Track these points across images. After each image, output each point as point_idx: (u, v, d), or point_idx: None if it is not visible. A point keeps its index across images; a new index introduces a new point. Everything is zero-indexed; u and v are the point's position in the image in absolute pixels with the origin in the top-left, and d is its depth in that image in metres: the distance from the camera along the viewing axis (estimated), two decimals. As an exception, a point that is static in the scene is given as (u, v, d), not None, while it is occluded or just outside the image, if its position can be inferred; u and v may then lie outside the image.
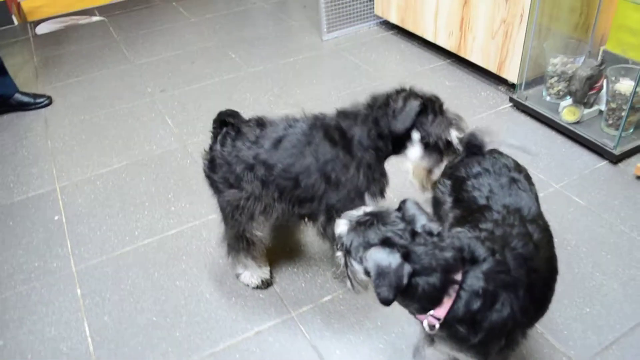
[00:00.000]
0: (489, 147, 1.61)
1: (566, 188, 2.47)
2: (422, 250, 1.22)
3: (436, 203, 1.69)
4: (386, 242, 1.23)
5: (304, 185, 1.72)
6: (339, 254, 1.32)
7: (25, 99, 3.44)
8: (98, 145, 3.05)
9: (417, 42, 3.89)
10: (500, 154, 1.61)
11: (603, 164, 2.60)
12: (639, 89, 2.40)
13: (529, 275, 1.31)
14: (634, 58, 2.79)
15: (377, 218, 1.27)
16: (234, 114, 1.77)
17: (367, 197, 1.74)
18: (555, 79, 2.88)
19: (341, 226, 1.31)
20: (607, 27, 3.04)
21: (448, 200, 1.61)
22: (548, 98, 2.97)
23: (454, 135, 1.69)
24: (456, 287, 1.23)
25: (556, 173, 2.57)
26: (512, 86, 3.22)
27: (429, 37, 3.64)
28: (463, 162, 1.61)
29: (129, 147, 3.01)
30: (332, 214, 1.73)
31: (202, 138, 3.01)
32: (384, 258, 1.19)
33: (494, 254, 1.28)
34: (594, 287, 2.00)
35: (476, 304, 1.23)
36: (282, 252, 2.22)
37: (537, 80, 3.08)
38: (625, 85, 2.55)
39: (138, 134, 3.13)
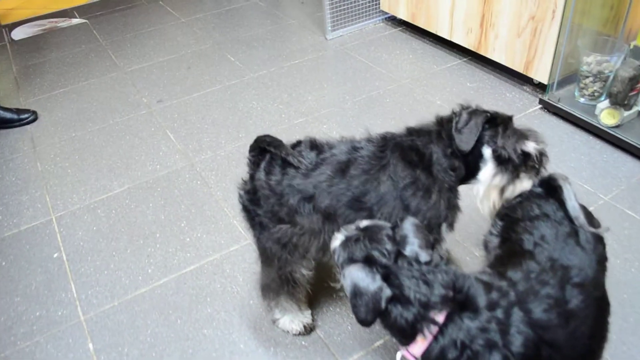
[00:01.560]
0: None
1: (616, 200, 2.28)
2: (405, 276, 1.12)
3: (485, 245, 1.51)
4: (368, 261, 1.14)
5: (379, 217, 1.49)
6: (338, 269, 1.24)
7: (8, 115, 3.11)
8: (94, 166, 2.75)
9: (429, 39, 3.65)
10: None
11: (651, 171, 2.42)
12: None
13: (536, 348, 1.11)
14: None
15: (365, 234, 1.19)
16: (275, 143, 1.51)
17: (443, 229, 1.52)
18: (591, 79, 2.68)
19: (336, 240, 1.24)
20: (636, 21, 2.84)
21: (495, 241, 1.43)
22: (582, 99, 2.77)
23: (531, 147, 1.50)
24: (434, 328, 1.12)
25: (602, 183, 2.37)
26: (538, 86, 3.01)
27: (444, 34, 3.41)
28: (521, 204, 1.42)
29: (129, 167, 2.72)
30: None
31: (211, 155, 2.74)
32: (362, 278, 1.11)
33: (495, 309, 1.12)
34: (670, 315, 1.82)
35: (451, 354, 1.11)
36: (320, 290, 1.97)
37: (567, 80, 2.88)
38: (673, 86, 2.37)
39: (138, 152, 2.84)
